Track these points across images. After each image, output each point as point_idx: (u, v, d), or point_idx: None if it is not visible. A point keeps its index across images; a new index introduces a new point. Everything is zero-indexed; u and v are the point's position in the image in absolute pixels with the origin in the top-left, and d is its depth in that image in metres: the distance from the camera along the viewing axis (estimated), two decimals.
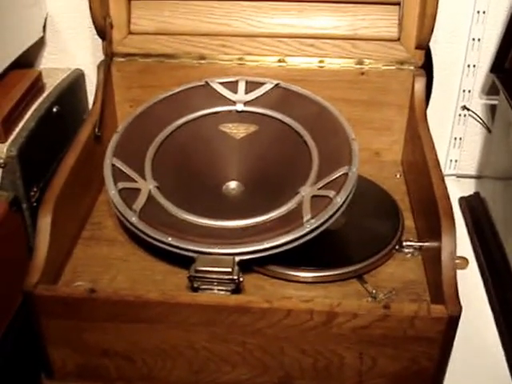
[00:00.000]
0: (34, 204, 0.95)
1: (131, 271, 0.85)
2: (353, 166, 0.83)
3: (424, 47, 0.96)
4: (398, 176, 1.02)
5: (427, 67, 1.01)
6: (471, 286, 0.96)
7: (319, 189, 0.82)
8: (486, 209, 1.06)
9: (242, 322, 0.73)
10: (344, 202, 0.80)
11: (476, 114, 1.14)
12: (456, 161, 1.20)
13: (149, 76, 1.01)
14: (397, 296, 0.80)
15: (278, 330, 0.73)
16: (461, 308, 0.71)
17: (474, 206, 1.09)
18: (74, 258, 0.87)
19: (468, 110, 1.14)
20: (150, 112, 0.93)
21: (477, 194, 1.12)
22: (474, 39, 1.07)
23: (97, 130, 0.93)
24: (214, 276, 0.76)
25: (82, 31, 1.11)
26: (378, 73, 0.99)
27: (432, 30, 0.92)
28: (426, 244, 0.85)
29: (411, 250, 0.87)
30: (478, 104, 1.14)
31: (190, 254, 0.78)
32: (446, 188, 0.82)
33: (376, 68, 0.99)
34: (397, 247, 0.86)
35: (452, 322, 0.71)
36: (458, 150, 1.18)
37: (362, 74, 0.99)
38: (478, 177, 1.18)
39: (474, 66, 1.10)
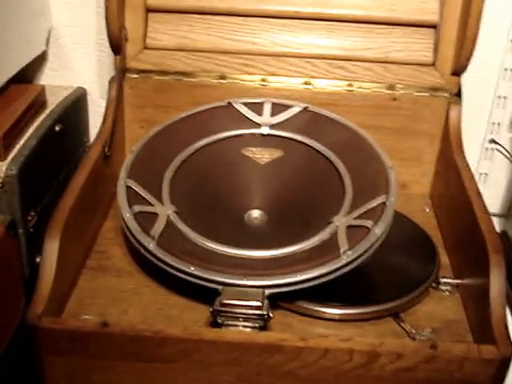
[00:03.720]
0: (31, 230, 0.90)
1: (143, 305, 0.80)
2: (390, 195, 0.80)
3: (460, 73, 0.95)
4: (428, 210, 0.99)
5: None
6: None
7: (355, 218, 0.79)
8: None
9: (273, 363, 0.69)
10: (382, 233, 0.77)
11: (505, 148, 1.13)
12: None
13: (164, 95, 0.98)
14: (437, 336, 0.76)
15: (313, 371, 0.69)
16: None
17: None
18: (79, 289, 0.82)
19: (496, 143, 1.13)
20: (168, 132, 0.90)
21: (504, 233, 1.10)
22: (506, 69, 1.06)
23: (107, 149, 0.89)
24: (242, 311, 0.71)
25: (88, 47, 1.08)
26: (410, 99, 0.97)
27: (471, 55, 0.91)
28: (464, 281, 0.82)
29: (449, 288, 0.83)
30: (507, 138, 1.12)
31: (215, 285, 0.73)
32: (491, 221, 0.79)
33: (408, 94, 0.97)
34: (433, 284, 0.83)
35: (503, 364, 0.68)
36: (484, 186, 1.16)
37: (394, 99, 0.97)
38: (504, 215, 1.16)
39: (505, 97, 1.08)
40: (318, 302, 0.79)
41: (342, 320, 0.78)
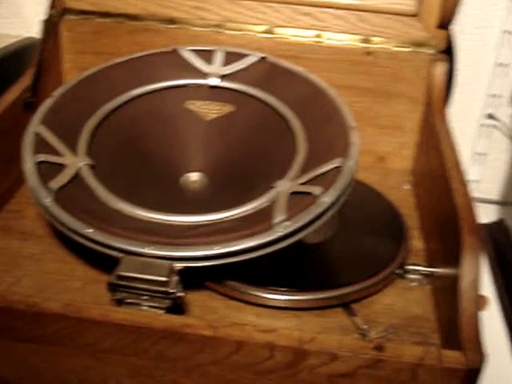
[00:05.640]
0: None
1: (43, 274, 0.62)
2: (349, 158, 0.59)
3: (447, 26, 0.73)
4: (407, 187, 0.77)
5: (448, 61, 0.78)
6: (491, 331, 0.72)
7: (302, 184, 0.59)
8: (511, 239, 0.83)
9: (174, 354, 0.50)
10: (333, 204, 0.56)
11: (504, 124, 0.91)
12: (477, 181, 0.96)
13: (105, 39, 0.79)
14: (395, 335, 0.56)
15: (225, 368, 0.50)
16: (483, 357, 0.48)
17: (497, 236, 0.86)
18: None
19: (495, 119, 0.91)
20: (99, 78, 0.70)
21: (501, 221, 0.89)
22: (507, 32, 0.85)
23: (28, 94, 0.70)
24: (143, 286, 0.52)
25: None
26: (388, 54, 0.76)
27: (458, 2, 0.69)
28: (437, 270, 0.61)
29: (418, 277, 0.63)
30: (508, 113, 0.91)
31: (114, 252, 0.54)
32: (469, 196, 0.58)
33: (386, 49, 0.76)
34: (399, 272, 0.62)
35: (471, 376, 0.48)
36: (480, 168, 0.95)
37: (369, 53, 0.76)
38: (502, 202, 0.94)
39: (507, 65, 0.87)
40: (253, 283, 0.59)
41: (279, 307, 0.59)
